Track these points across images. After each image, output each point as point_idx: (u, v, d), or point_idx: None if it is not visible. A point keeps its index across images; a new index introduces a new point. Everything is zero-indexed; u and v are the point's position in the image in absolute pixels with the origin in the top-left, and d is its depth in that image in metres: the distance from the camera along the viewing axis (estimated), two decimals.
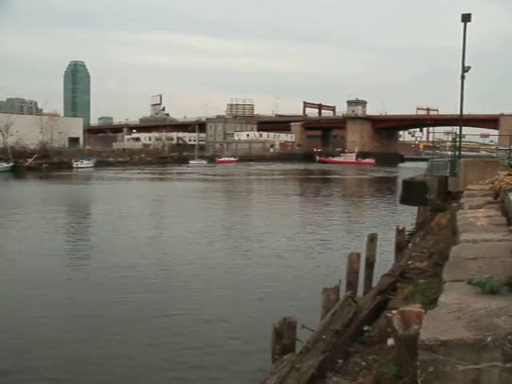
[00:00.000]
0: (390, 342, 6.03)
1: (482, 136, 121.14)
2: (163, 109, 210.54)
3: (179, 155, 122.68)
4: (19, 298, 14.60)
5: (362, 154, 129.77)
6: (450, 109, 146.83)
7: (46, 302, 14.34)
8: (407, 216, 28.96)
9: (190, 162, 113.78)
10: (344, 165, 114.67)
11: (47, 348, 11.19)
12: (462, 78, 25.46)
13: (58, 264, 18.95)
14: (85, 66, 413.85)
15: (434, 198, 21.52)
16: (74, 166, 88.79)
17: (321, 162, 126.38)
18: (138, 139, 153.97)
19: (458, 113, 26.75)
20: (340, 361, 6.97)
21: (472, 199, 12.09)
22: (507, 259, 5.91)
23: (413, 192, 23.39)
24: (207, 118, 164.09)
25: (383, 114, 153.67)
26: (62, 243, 23.59)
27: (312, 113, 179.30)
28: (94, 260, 19.86)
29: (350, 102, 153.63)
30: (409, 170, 72.81)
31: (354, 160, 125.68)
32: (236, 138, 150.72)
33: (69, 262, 19.61)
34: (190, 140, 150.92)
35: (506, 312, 3.98)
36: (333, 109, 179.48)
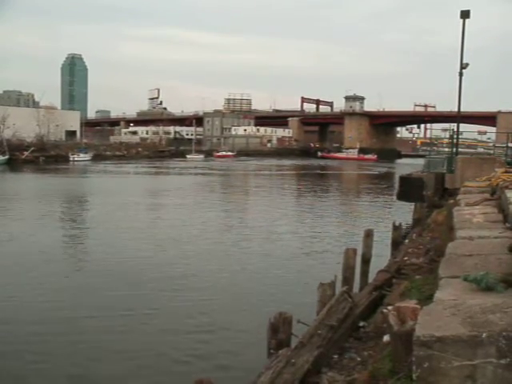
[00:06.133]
0: (386, 338, 6.05)
1: (480, 133, 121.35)
2: (161, 103, 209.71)
3: (176, 149, 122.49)
4: (17, 289, 14.61)
5: (361, 150, 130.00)
6: (448, 106, 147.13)
7: (44, 298, 14.32)
8: (405, 212, 28.98)
9: (188, 156, 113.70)
10: (346, 161, 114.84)
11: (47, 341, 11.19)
12: (461, 74, 25.43)
13: (54, 260, 18.92)
14: (82, 59, 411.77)
15: (430, 194, 21.55)
16: (71, 159, 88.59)
17: (323, 157, 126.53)
18: (135, 133, 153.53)
19: (456, 110, 26.75)
20: (335, 356, 6.98)
21: (469, 196, 12.11)
22: (503, 256, 5.92)
23: (410, 188, 23.42)
24: (204, 113, 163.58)
25: (381, 110, 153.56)
26: (59, 239, 23.56)
27: (310, 108, 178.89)
28: (92, 253, 19.82)
29: (347, 98, 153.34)
30: (407, 166, 72.93)
31: (356, 156, 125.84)
32: (233, 132, 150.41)
33: (66, 258, 19.58)
34: (187, 134, 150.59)
35: (502, 309, 3.99)
36: (331, 104, 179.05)
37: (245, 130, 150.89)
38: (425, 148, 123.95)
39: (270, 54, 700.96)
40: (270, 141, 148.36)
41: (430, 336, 3.61)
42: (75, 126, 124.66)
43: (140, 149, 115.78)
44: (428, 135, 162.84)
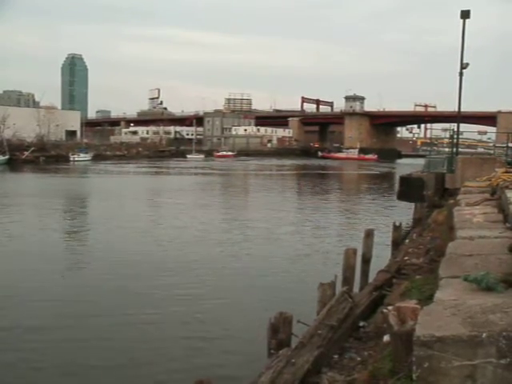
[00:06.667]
0: (386, 338, 6.05)
1: (480, 133, 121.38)
2: (161, 103, 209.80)
3: (177, 149, 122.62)
4: (16, 289, 14.61)
5: (362, 150, 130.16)
6: (449, 106, 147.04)
7: (42, 298, 14.32)
8: (405, 212, 28.97)
9: (188, 156, 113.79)
10: (347, 161, 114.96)
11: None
12: (461, 74, 25.42)
13: (53, 261, 18.91)
14: (82, 58, 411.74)
15: (431, 194, 21.54)
16: (71, 159, 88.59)
17: (323, 157, 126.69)
18: (135, 133, 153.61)
19: (456, 109, 26.75)
20: (335, 356, 6.97)
21: (469, 196, 12.11)
22: (503, 256, 5.92)
23: (410, 188, 23.42)
24: (205, 113, 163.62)
25: (381, 109, 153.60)
26: (59, 239, 23.56)
27: (310, 108, 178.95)
28: (91, 254, 19.81)
29: (347, 98, 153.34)
30: (407, 166, 72.94)
31: (356, 156, 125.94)
32: (234, 132, 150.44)
33: (65, 259, 19.58)
34: (187, 134, 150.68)
35: (502, 309, 3.99)
36: (331, 104, 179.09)
37: (245, 130, 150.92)
38: (425, 148, 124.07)
39: (270, 53, 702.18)
40: (270, 141, 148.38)
41: (431, 336, 3.62)
42: (75, 125, 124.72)
43: (140, 149, 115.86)
44: (428, 135, 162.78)
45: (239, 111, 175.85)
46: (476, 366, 3.55)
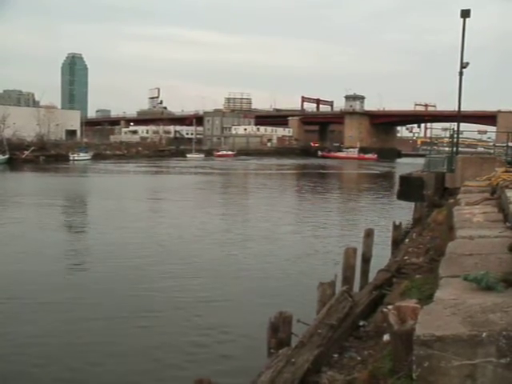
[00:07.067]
0: (386, 337, 6.05)
1: (480, 132, 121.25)
2: (161, 102, 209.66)
3: (177, 149, 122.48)
4: (16, 289, 14.61)
5: (362, 150, 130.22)
6: (449, 105, 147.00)
7: (41, 298, 14.32)
8: (405, 211, 28.97)
9: (188, 155, 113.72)
10: (347, 160, 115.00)
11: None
12: (461, 74, 25.42)
13: (53, 261, 18.90)
14: (82, 58, 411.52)
15: (430, 193, 21.54)
16: (71, 158, 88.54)
17: (323, 156, 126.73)
18: (135, 132, 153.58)
19: (456, 109, 26.75)
20: (335, 355, 6.98)
21: (469, 195, 12.11)
22: (503, 255, 5.92)
23: (410, 188, 23.42)
24: (205, 112, 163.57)
25: (381, 109, 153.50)
26: (58, 238, 23.55)
27: (310, 107, 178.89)
28: (91, 254, 19.82)
29: (347, 97, 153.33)
30: (407, 165, 72.92)
31: (356, 155, 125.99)
32: (233, 132, 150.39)
33: (65, 258, 19.57)
34: (187, 133, 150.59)
35: (502, 308, 3.99)
36: (331, 104, 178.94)
37: (245, 130, 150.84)
38: (425, 147, 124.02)
39: (270, 53, 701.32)
40: (270, 140, 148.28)
41: (430, 335, 3.62)
42: (75, 125, 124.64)
43: (140, 148, 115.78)
44: (428, 134, 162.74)
45: (239, 111, 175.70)
46: (476, 365, 3.55)
